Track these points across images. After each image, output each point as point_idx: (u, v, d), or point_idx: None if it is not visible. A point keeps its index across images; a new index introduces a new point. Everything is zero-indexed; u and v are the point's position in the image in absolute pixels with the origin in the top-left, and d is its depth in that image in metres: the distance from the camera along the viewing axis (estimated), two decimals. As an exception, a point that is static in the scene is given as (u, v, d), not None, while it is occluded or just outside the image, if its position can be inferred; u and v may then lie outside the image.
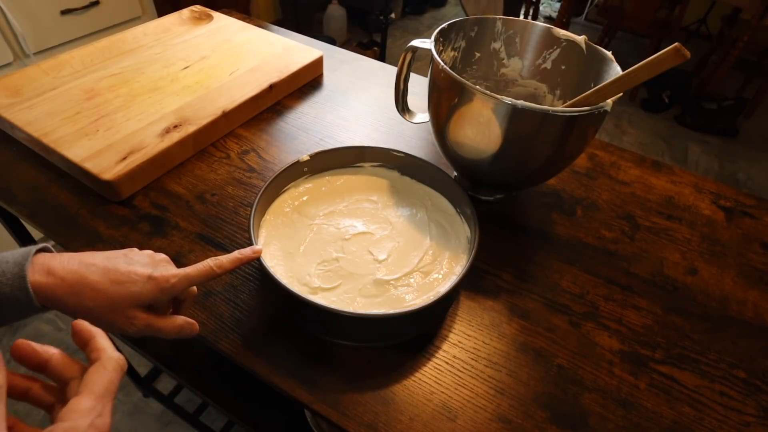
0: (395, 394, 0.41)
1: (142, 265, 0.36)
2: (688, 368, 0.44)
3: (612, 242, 0.56)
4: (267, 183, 0.48)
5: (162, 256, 0.39)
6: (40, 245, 0.34)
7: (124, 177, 0.53)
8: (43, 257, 0.33)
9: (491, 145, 0.47)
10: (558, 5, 3.41)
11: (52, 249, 0.35)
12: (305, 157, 0.52)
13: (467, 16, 1.00)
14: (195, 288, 0.41)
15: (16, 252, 0.33)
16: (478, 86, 0.44)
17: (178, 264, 0.48)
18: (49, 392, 0.26)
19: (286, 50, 0.77)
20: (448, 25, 0.54)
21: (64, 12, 1.22)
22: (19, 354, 0.25)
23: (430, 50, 0.49)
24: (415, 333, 0.45)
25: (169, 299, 0.38)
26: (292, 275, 0.45)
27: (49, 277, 0.32)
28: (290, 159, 0.61)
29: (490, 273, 0.51)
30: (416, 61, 0.54)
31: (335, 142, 0.66)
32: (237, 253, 0.39)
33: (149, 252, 0.38)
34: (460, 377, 0.42)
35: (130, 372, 1.11)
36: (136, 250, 0.38)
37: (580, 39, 0.54)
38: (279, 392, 0.41)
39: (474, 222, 0.47)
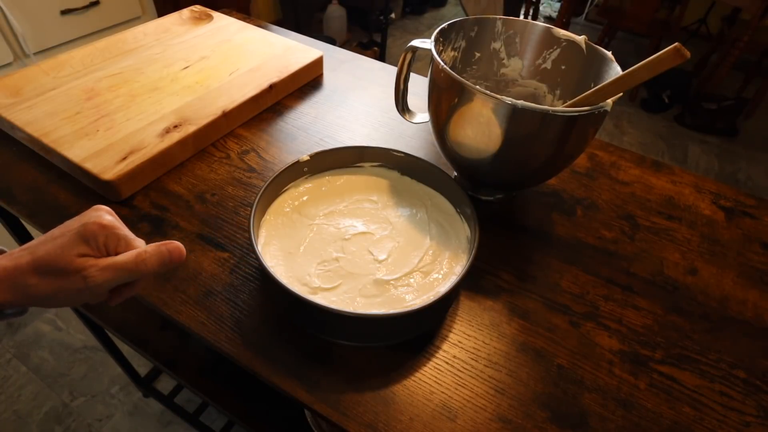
0: (395, 394, 0.41)
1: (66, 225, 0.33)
2: (688, 368, 0.44)
3: (612, 242, 0.56)
4: (267, 183, 0.48)
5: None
6: None
7: (124, 177, 0.53)
8: None
9: (491, 145, 0.47)
10: (558, 5, 3.41)
11: (5, 249, 0.34)
12: (305, 157, 0.52)
13: (467, 16, 1.00)
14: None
15: None
16: (478, 86, 0.44)
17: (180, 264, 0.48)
18: None
19: (286, 50, 0.77)
20: (448, 25, 0.54)
21: (64, 12, 1.23)
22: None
23: (430, 50, 0.49)
24: (415, 333, 0.45)
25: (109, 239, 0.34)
26: (292, 275, 0.45)
27: None
28: (290, 159, 0.61)
29: (490, 273, 0.51)
30: (416, 61, 0.54)
31: (335, 142, 0.66)
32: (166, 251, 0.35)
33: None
34: (460, 377, 0.42)
35: (130, 372, 1.11)
36: None
37: (580, 39, 0.54)
38: (279, 392, 0.41)
39: (474, 222, 0.47)
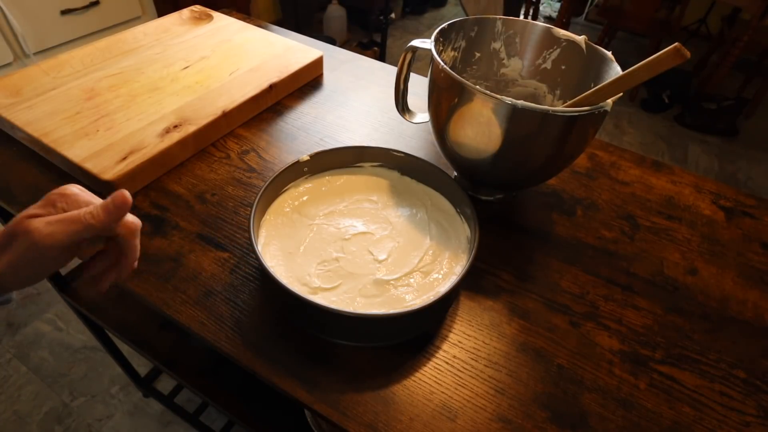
0: (395, 394, 0.41)
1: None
2: (688, 368, 0.44)
3: (612, 242, 0.56)
4: (267, 183, 0.48)
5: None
6: None
7: (124, 177, 0.53)
8: None
9: (491, 145, 0.47)
10: (558, 5, 3.41)
11: None
12: (305, 157, 0.52)
13: (467, 16, 1.00)
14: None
15: None
16: (478, 86, 0.44)
17: (178, 264, 0.48)
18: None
19: (286, 50, 0.77)
20: (448, 25, 0.54)
21: (64, 12, 1.23)
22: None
23: (430, 50, 0.49)
24: (415, 333, 0.45)
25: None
26: (292, 275, 0.45)
27: None
28: (290, 159, 0.61)
29: (490, 273, 0.51)
30: (416, 61, 0.54)
31: (335, 142, 0.66)
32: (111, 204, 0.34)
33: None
34: (460, 377, 0.42)
35: (130, 372, 1.11)
36: None
37: (580, 39, 0.54)
38: (279, 392, 0.41)
39: (474, 222, 0.47)
